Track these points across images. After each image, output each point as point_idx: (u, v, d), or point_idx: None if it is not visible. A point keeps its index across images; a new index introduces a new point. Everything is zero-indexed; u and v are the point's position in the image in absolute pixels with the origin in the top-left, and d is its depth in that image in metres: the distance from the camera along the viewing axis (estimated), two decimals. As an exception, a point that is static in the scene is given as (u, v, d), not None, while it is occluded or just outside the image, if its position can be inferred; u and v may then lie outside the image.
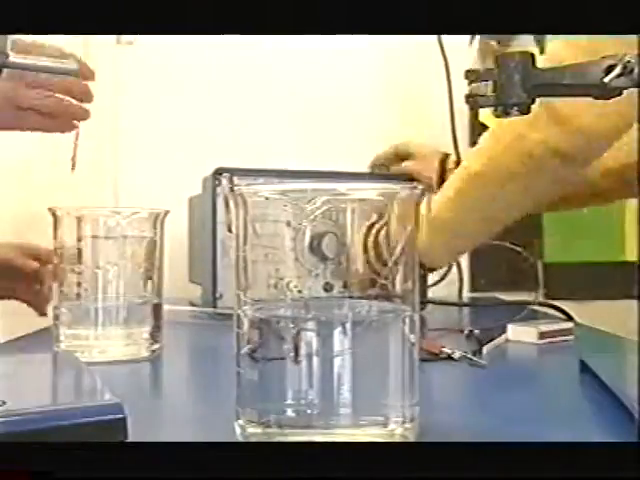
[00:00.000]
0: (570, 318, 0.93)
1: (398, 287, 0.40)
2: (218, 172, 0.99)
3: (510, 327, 0.78)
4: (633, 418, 0.42)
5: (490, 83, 0.54)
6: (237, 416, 0.41)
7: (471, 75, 0.56)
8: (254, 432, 0.40)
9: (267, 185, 0.40)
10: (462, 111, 1.60)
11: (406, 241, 0.40)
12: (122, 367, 0.66)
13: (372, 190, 0.40)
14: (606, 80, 0.49)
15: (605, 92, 0.50)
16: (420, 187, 0.40)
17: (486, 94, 0.54)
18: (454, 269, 1.18)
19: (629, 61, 0.48)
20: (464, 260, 1.55)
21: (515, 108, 0.53)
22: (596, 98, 0.53)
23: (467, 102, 0.56)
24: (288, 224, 0.39)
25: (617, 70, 0.49)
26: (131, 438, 0.40)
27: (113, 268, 0.70)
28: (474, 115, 1.67)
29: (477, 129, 1.66)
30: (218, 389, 0.56)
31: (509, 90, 0.53)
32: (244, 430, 0.40)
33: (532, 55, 0.53)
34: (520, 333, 0.76)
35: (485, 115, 1.67)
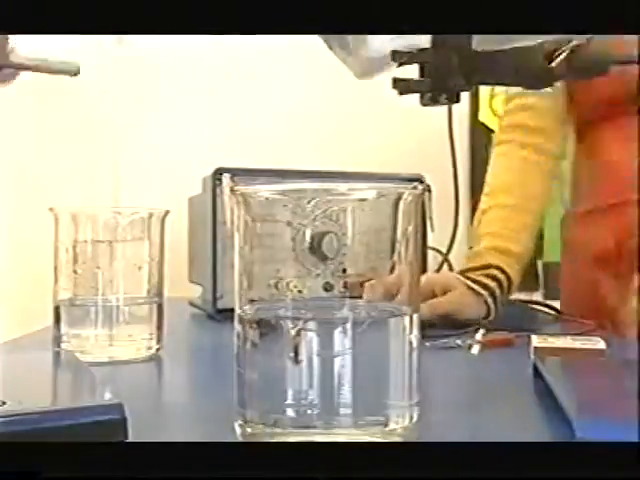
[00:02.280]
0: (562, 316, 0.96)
1: (398, 287, 0.40)
2: (218, 172, 0.99)
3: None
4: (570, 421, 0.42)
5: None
6: (237, 416, 0.41)
7: (400, 56, 0.49)
8: (254, 432, 0.40)
9: (267, 185, 0.40)
10: (462, 111, 1.61)
11: (407, 241, 0.40)
12: (122, 367, 0.66)
13: (372, 190, 0.40)
14: (554, 65, 0.46)
15: (546, 79, 0.46)
16: (420, 187, 0.40)
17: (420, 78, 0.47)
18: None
19: (578, 45, 0.45)
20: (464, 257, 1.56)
21: (444, 96, 0.47)
22: (529, 88, 0.49)
23: (395, 86, 0.49)
24: (288, 224, 0.39)
25: (564, 56, 0.46)
26: (131, 438, 0.40)
27: (113, 268, 0.70)
28: (474, 115, 1.67)
29: (477, 129, 1.66)
30: (218, 389, 0.56)
31: (446, 74, 0.46)
32: (244, 430, 0.40)
33: (469, 37, 0.47)
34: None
35: (485, 115, 1.67)
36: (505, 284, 0.93)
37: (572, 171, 1.08)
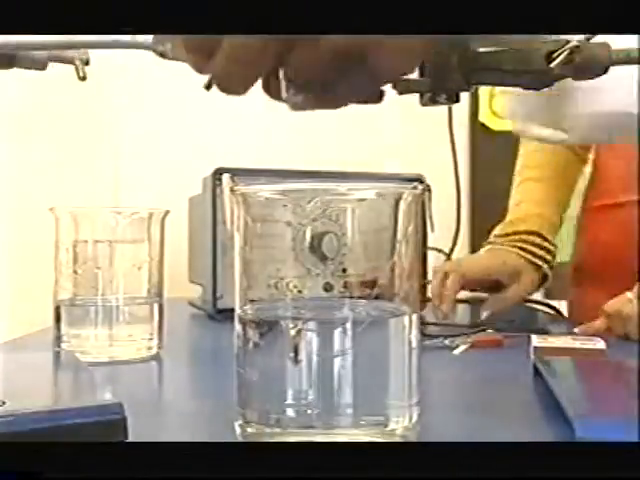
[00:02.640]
0: (562, 316, 0.99)
1: (398, 287, 0.40)
2: (218, 172, 0.99)
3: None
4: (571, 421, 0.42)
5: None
6: (237, 416, 0.41)
7: None
8: (254, 432, 0.40)
9: (267, 185, 0.40)
10: (462, 111, 1.61)
11: (407, 241, 0.40)
12: (122, 367, 0.66)
13: (372, 190, 0.40)
14: (552, 65, 0.46)
15: (545, 80, 0.46)
16: (420, 187, 0.40)
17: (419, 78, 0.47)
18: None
19: (577, 46, 0.45)
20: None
21: (444, 96, 0.47)
22: (528, 88, 0.49)
23: (394, 86, 0.49)
24: (288, 224, 0.39)
25: (563, 56, 0.46)
26: (131, 438, 0.40)
27: (113, 268, 0.70)
28: (473, 114, 1.67)
29: (476, 128, 1.66)
30: (218, 389, 0.56)
31: (445, 73, 0.46)
32: (244, 430, 0.40)
33: (469, 37, 0.47)
34: None
35: (485, 115, 1.67)
36: (554, 254, 0.98)
37: (592, 166, 1.08)
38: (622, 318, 0.76)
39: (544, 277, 0.95)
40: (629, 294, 0.78)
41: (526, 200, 1.02)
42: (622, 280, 0.88)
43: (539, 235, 0.96)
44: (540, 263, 0.94)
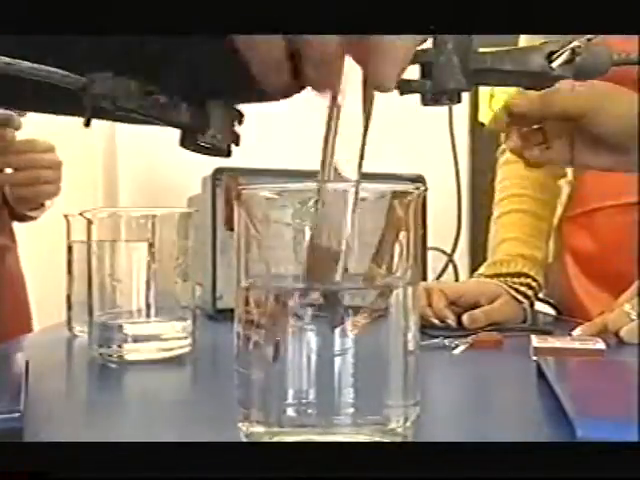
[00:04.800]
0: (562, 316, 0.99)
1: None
2: (218, 172, 0.99)
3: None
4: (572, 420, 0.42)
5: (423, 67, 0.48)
6: (237, 416, 0.41)
7: None
8: (254, 432, 0.40)
9: (267, 185, 0.40)
10: (462, 111, 1.61)
11: (407, 241, 0.40)
12: (121, 368, 0.66)
13: (372, 190, 0.40)
14: (554, 66, 0.46)
15: (545, 80, 0.47)
16: (422, 188, 0.40)
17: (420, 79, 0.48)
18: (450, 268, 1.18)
19: (579, 46, 0.45)
20: (465, 257, 1.55)
21: (445, 96, 0.47)
22: (529, 88, 0.49)
23: (396, 87, 0.49)
24: (288, 224, 0.39)
25: (564, 56, 0.46)
26: (132, 438, 0.40)
27: (114, 268, 0.70)
28: (473, 115, 1.67)
29: (477, 129, 1.66)
30: (218, 389, 0.56)
31: (447, 74, 0.46)
32: (245, 430, 0.40)
33: (470, 37, 0.48)
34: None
35: (485, 115, 1.67)
36: (537, 291, 0.99)
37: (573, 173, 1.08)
38: (619, 336, 0.76)
39: (524, 311, 0.95)
40: (627, 307, 0.77)
41: (507, 239, 1.02)
42: (606, 282, 0.92)
43: (528, 276, 0.98)
44: (520, 298, 0.95)
